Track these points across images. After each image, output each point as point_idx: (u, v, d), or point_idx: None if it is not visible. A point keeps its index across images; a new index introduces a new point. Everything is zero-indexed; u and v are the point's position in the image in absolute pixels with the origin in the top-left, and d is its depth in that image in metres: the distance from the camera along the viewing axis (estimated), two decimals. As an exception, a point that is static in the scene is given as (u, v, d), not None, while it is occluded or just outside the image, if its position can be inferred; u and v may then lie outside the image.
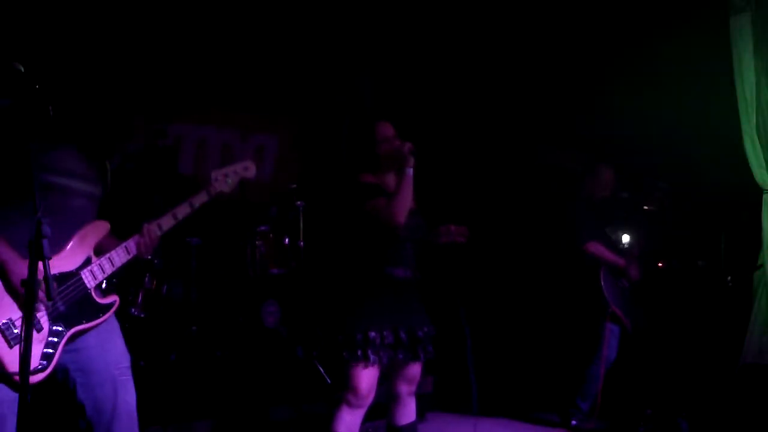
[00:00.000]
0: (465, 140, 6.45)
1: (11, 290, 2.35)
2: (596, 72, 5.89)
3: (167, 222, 2.83)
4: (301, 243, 5.42)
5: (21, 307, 2.34)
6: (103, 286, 2.74)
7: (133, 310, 4.83)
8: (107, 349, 2.62)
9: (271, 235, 5.40)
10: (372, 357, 3.16)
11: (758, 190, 4.39)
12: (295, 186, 5.77)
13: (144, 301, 4.89)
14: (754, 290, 4.49)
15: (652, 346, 5.17)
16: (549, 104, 6.25)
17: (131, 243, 2.71)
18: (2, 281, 2.35)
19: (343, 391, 3.25)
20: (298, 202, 5.50)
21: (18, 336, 2.32)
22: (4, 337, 2.31)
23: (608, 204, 5.28)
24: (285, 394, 4.84)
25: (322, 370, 5.06)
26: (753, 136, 4.35)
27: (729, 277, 5.12)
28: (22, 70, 2.18)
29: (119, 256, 2.68)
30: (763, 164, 4.36)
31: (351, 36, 6.27)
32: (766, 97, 4.35)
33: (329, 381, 4.97)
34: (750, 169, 4.38)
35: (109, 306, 2.64)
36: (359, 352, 3.16)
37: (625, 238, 5.42)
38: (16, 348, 2.30)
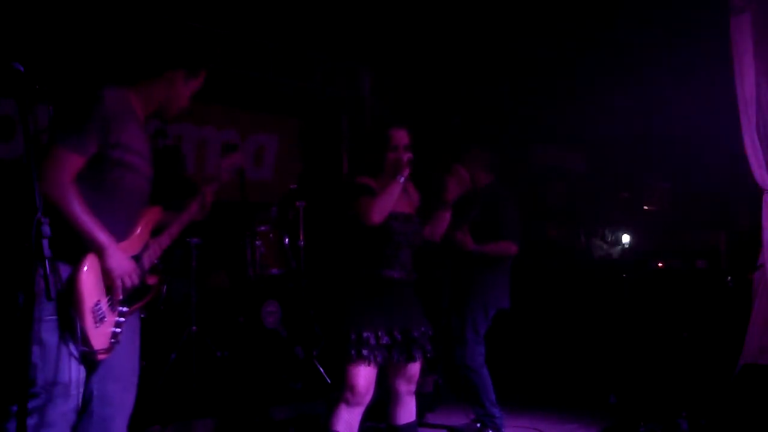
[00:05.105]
0: (465, 140, 6.45)
1: (105, 275, 2.49)
2: (596, 72, 5.89)
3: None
4: (301, 243, 5.43)
5: (108, 291, 2.52)
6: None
7: (133, 309, 4.82)
8: (133, 351, 2.72)
9: (271, 235, 5.40)
10: (366, 356, 3.18)
11: (758, 190, 4.40)
12: (295, 186, 5.77)
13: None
14: (754, 290, 4.49)
15: (652, 346, 5.17)
16: (549, 104, 6.26)
17: (173, 229, 2.82)
18: (100, 266, 2.47)
19: (340, 389, 3.26)
20: (298, 202, 5.50)
21: (103, 316, 2.49)
22: (94, 316, 2.44)
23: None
24: (285, 393, 4.84)
25: (322, 370, 5.07)
26: (753, 136, 4.36)
27: (729, 277, 5.12)
28: (22, 70, 2.18)
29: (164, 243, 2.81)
30: (763, 164, 4.37)
31: (351, 35, 6.27)
32: (766, 97, 4.36)
33: (329, 381, 4.97)
34: (750, 169, 4.38)
35: (154, 286, 2.79)
36: (353, 352, 3.18)
37: (626, 238, 5.42)
38: (101, 326, 2.47)
